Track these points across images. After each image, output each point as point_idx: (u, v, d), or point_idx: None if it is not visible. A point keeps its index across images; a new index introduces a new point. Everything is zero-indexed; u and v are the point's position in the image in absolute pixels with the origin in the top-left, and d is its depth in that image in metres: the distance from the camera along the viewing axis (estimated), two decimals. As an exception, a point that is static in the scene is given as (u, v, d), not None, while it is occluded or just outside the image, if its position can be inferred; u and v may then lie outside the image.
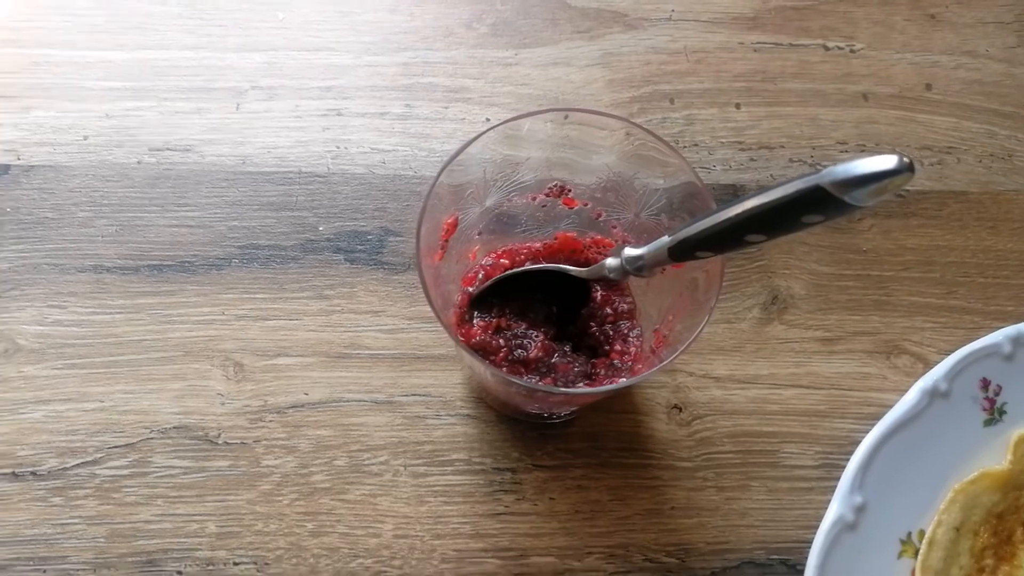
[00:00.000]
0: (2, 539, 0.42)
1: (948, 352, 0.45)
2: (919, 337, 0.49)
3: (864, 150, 0.53)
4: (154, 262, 0.47)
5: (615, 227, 0.42)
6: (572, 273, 0.39)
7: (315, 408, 0.45)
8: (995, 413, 0.44)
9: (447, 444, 0.45)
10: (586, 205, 0.42)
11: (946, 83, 0.55)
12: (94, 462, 0.43)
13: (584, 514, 0.44)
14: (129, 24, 0.52)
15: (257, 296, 0.47)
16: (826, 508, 0.42)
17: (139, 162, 0.49)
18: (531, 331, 0.41)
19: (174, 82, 0.51)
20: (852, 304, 0.49)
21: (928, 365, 0.47)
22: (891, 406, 0.44)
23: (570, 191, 0.41)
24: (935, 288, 0.50)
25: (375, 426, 0.45)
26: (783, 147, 0.53)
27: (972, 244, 0.51)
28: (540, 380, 0.39)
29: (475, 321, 0.41)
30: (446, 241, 0.38)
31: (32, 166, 0.49)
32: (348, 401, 0.45)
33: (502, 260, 0.42)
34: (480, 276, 0.42)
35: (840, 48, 0.55)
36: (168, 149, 0.49)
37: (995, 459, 0.44)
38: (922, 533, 0.42)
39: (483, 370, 0.36)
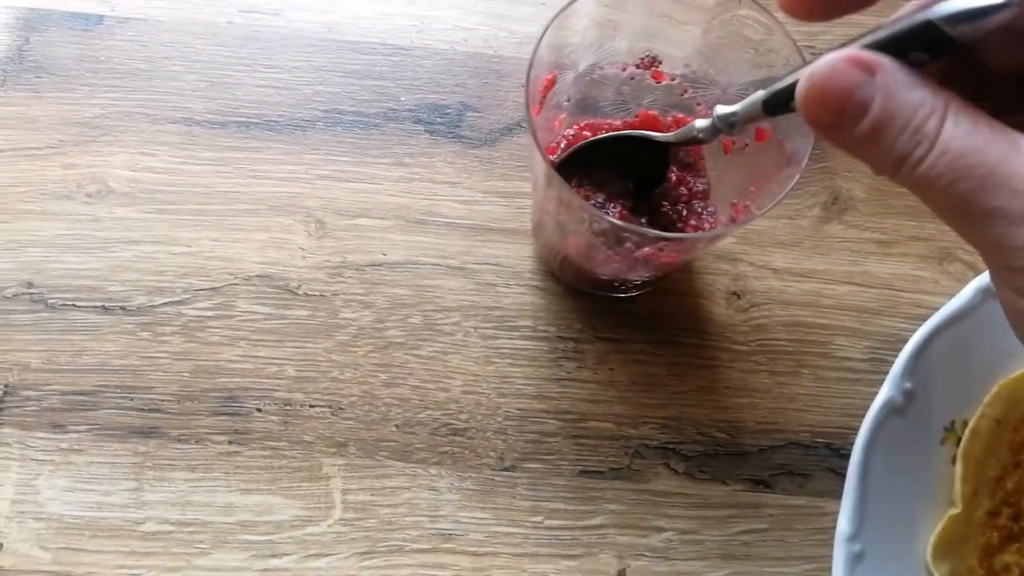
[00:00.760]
0: (92, 367, 0.44)
1: (999, 262, 0.47)
2: (972, 248, 0.50)
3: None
4: (241, 119, 0.48)
5: (699, 105, 0.43)
6: (657, 138, 0.40)
7: (392, 268, 0.47)
8: (1044, 318, 0.46)
9: (515, 311, 0.47)
10: (673, 80, 0.43)
11: None
12: (180, 302, 0.45)
13: (641, 386, 0.46)
14: None
15: (340, 158, 0.48)
16: (872, 399, 0.44)
17: (229, 22, 0.50)
18: (609, 203, 0.43)
19: (263, -53, 0.52)
20: (909, 210, 0.51)
21: (978, 272, 0.49)
22: (940, 308, 0.45)
23: (660, 63, 0.42)
24: (992, 203, 0.51)
25: (448, 289, 0.47)
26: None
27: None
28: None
29: None
30: (544, 97, 0.40)
31: (126, 18, 0.50)
32: (424, 264, 0.47)
33: (584, 132, 0.44)
34: (562, 145, 0.43)
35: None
36: (257, 12, 0.51)
37: (1040, 361, 0.45)
38: (965, 423, 0.44)
39: (574, 210, 0.38)
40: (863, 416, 0.44)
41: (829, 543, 0.43)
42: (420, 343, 0.46)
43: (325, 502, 0.43)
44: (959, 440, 0.44)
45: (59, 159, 0.47)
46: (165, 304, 0.45)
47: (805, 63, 0.35)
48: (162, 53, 0.49)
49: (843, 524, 0.41)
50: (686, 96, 0.43)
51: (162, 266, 0.46)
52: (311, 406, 0.44)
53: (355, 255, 0.47)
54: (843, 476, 0.45)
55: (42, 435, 0.43)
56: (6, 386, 0.44)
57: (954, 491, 0.43)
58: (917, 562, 0.42)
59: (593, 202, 0.42)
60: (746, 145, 0.40)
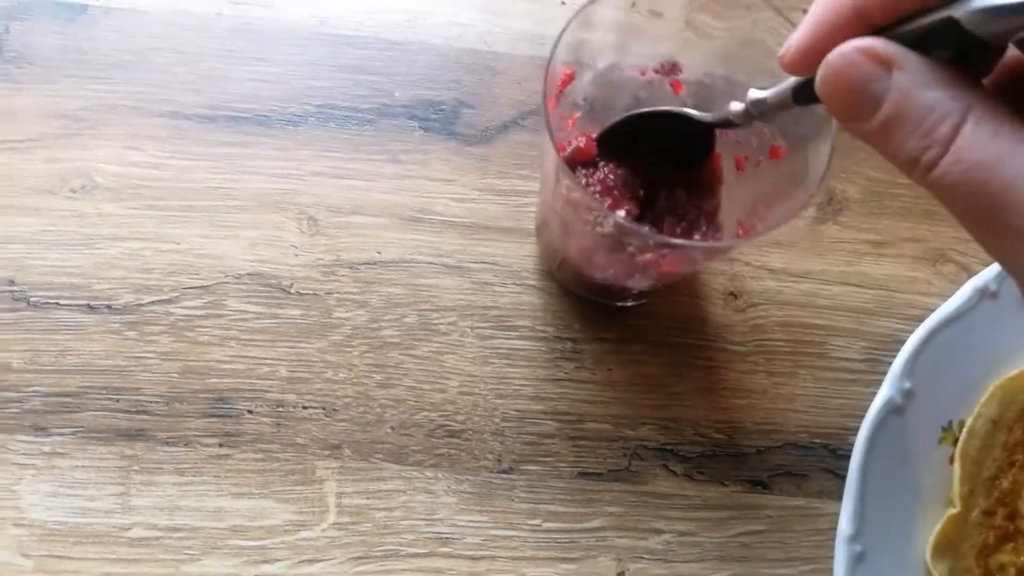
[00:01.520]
0: (76, 367, 0.43)
1: (990, 263, 0.47)
2: (964, 248, 0.50)
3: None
4: (232, 113, 0.47)
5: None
6: (695, 117, 0.38)
7: (387, 267, 0.46)
8: (1038, 318, 0.46)
9: (512, 311, 0.46)
10: (691, 90, 0.42)
11: None
12: (169, 301, 0.44)
13: (640, 387, 0.46)
14: None
15: (333, 154, 0.47)
16: (869, 399, 0.44)
17: (219, 13, 0.49)
18: (619, 205, 0.41)
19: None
20: (903, 211, 0.51)
21: (971, 274, 0.49)
22: (935, 309, 0.46)
23: (681, 71, 0.41)
24: (983, 204, 0.52)
25: (444, 288, 0.46)
26: None
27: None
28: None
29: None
30: (561, 92, 0.39)
31: (111, 8, 0.48)
32: (419, 263, 0.46)
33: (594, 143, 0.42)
34: (571, 147, 0.42)
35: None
36: (247, 4, 0.49)
37: (1034, 362, 0.46)
38: (962, 423, 0.44)
39: (580, 208, 0.37)
40: (860, 417, 0.44)
41: (827, 544, 0.43)
42: (416, 343, 0.45)
43: (319, 506, 0.42)
44: (956, 440, 0.44)
45: (41, 153, 0.46)
46: (153, 303, 0.44)
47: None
48: (149, 44, 0.48)
49: (844, 525, 0.41)
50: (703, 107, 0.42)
51: (149, 264, 0.44)
52: (304, 408, 0.43)
53: (349, 253, 0.46)
54: (840, 477, 0.45)
55: (24, 438, 0.41)
56: (-14, 387, 0.42)
57: (952, 491, 0.43)
58: (917, 562, 0.42)
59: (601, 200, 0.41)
60: (759, 162, 0.40)
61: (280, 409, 0.43)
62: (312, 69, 0.49)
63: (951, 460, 0.44)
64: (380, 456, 0.43)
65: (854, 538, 0.40)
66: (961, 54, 0.24)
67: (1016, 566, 0.43)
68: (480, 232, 0.47)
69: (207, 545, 0.41)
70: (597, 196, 0.41)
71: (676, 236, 0.42)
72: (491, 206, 0.48)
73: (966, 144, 0.21)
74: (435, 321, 0.45)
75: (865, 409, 0.44)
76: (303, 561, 0.41)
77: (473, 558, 0.42)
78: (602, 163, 0.41)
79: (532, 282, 0.46)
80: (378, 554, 0.41)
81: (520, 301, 0.46)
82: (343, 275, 0.45)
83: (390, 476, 0.43)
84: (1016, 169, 0.20)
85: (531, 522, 0.43)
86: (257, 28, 0.49)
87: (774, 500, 0.45)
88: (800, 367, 0.47)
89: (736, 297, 0.48)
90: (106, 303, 0.44)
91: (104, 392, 0.43)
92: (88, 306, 0.44)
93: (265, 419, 0.43)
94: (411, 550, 0.42)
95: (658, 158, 0.41)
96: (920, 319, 0.46)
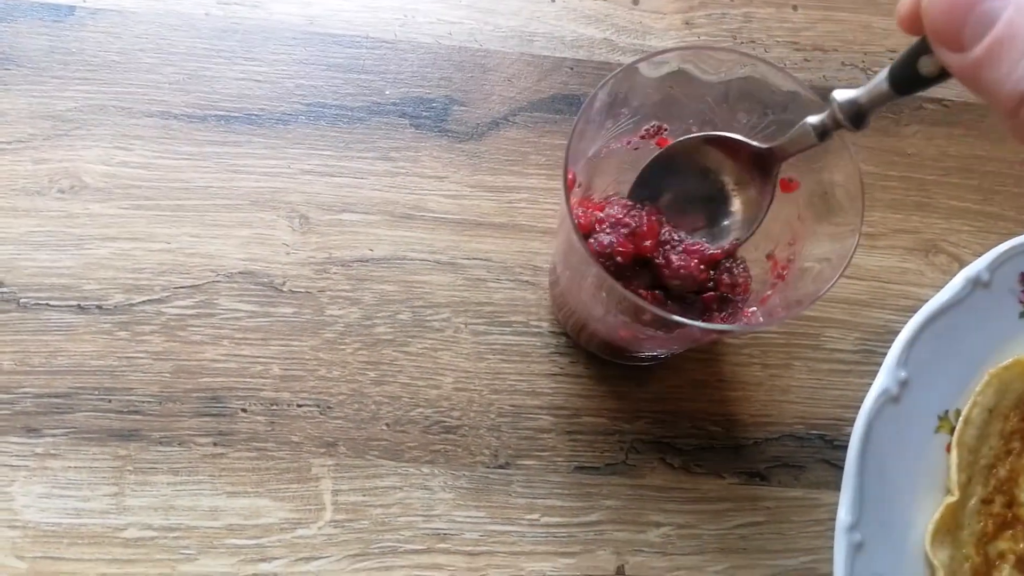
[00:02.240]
0: (68, 368, 0.42)
1: (982, 254, 0.47)
2: (956, 239, 0.51)
3: (913, 60, 0.54)
4: (221, 112, 0.47)
5: None
6: (753, 145, 0.36)
7: (379, 264, 0.46)
8: (1030, 307, 0.46)
9: (506, 307, 0.46)
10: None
11: (994, 3, 0.57)
12: (160, 300, 0.44)
13: (635, 380, 0.45)
14: None
15: (323, 152, 0.47)
16: (864, 390, 0.44)
17: (207, 13, 0.49)
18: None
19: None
20: (894, 203, 0.51)
21: (963, 264, 0.49)
22: (927, 300, 0.46)
23: (666, 130, 0.40)
24: (973, 194, 0.52)
25: (437, 285, 0.46)
26: (836, 50, 0.54)
27: (1010, 156, 0.53)
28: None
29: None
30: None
31: (98, 9, 0.48)
32: (411, 259, 0.46)
33: (595, 211, 0.40)
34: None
35: (897, -41, 0.56)
36: (236, 3, 0.49)
37: (1028, 350, 0.46)
38: (958, 412, 0.44)
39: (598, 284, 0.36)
40: (856, 407, 0.43)
41: (826, 534, 0.43)
42: (409, 340, 0.45)
43: (315, 504, 0.41)
44: (952, 429, 0.44)
45: (29, 154, 0.45)
46: (144, 303, 0.44)
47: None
48: (137, 45, 0.48)
49: (843, 514, 0.41)
50: None
51: (140, 263, 0.44)
52: (298, 405, 0.43)
53: (341, 251, 0.46)
54: (838, 468, 0.45)
55: (15, 440, 0.41)
56: (-24, 390, 0.42)
57: (950, 479, 0.43)
58: (916, 550, 0.42)
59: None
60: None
61: (274, 407, 0.43)
62: (302, 68, 0.49)
63: (948, 448, 0.44)
64: (376, 453, 0.43)
65: (853, 527, 0.40)
66: None
67: (1015, 553, 0.43)
68: (472, 228, 0.47)
69: (203, 544, 0.40)
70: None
71: (704, 309, 0.40)
72: (483, 202, 0.47)
73: None
74: (429, 318, 0.45)
75: (860, 400, 0.44)
76: (300, 559, 0.41)
77: (471, 553, 0.42)
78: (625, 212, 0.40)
79: (525, 278, 0.46)
80: (376, 551, 0.41)
81: (514, 297, 0.46)
82: (335, 273, 0.45)
83: (386, 473, 0.42)
84: None
85: (529, 517, 0.42)
86: (245, 28, 0.49)
87: (772, 491, 0.44)
88: (795, 359, 0.47)
89: (730, 289, 0.48)
90: (97, 303, 0.43)
91: (96, 392, 0.42)
92: (79, 306, 0.43)
93: (259, 417, 0.42)
94: (409, 546, 0.41)
95: (685, 205, 0.40)
96: (913, 310, 0.46)
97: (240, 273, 0.45)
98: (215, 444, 0.42)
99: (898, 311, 0.49)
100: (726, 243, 0.39)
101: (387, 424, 0.43)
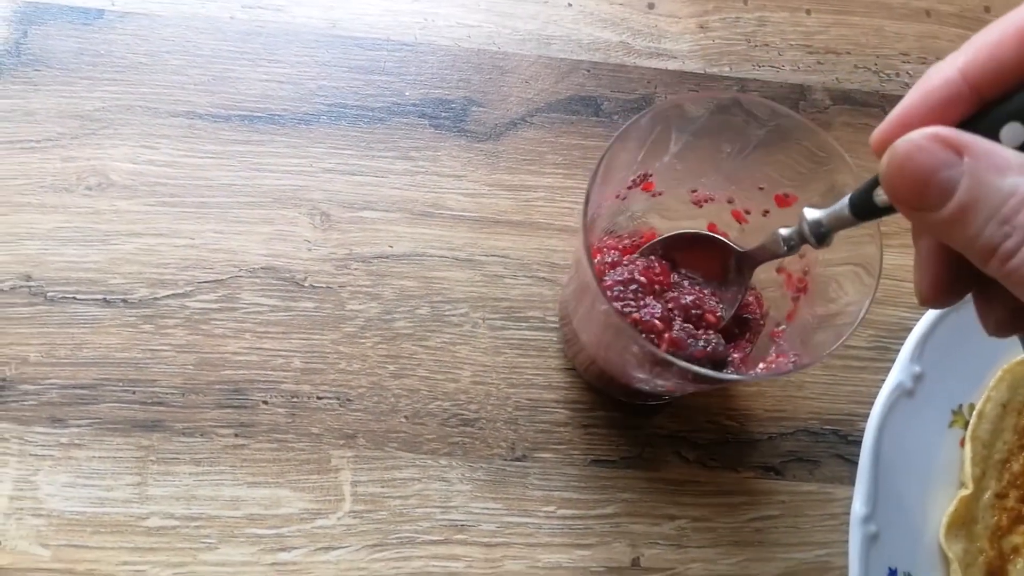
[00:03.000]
0: (93, 360, 0.43)
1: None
2: None
3: (925, 63, 0.55)
4: (244, 113, 0.48)
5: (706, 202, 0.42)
6: (734, 248, 0.39)
7: (399, 260, 0.46)
8: (1043, 304, 0.47)
9: (523, 302, 0.46)
10: (661, 193, 0.41)
11: (1004, 7, 0.57)
12: (184, 294, 0.45)
13: (651, 376, 0.46)
14: None
15: (344, 152, 0.48)
16: (878, 386, 0.44)
17: (232, 17, 0.50)
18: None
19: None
20: (908, 204, 0.51)
21: (977, 264, 0.49)
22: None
23: (651, 176, 0.40)
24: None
25: (456, 281, 0.46)
26: (849, 53, 0.55)
27: None
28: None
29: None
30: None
31: (127, 12, 0.49)
32: (430, 256, 0.47)
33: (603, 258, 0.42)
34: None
35: (906, -34, 0.57)
36: (260, 7, 0.50)
37: (1041, 346, 0.46)
38: (972, 407, 0.45)
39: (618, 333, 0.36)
40: (869, 403, 0.44)
41: (840, 528, 0.44)
42: (428, 334, 0.45)
43: (334, 494, 0.42)
44: (966, 423, 0.44)
45: (58, 152, 0.46)
46: (168, 296, 0.44)
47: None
48: (163, 47, 0.49)
49: (857, 506, 0.41)
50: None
51: (164, 259, 0.45)
52: (319, 398, 0.44)
53: (361, 247, 0.46)
54: (852, 462, 0.45)
55: (41, 430, 0.42)
56: (4, 380, 0.42)
57: (964, 472, 0.43)
58: (931, 543, 0.42)
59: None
60: (767, 211, 0.40)
61: (295, 400, 0.43)
62: (324, 70, 0.50)
63: (962, 443, 0.44)
64: (395, 445, 0.43)
65: (868, 519, 0.41)
66: None
67: (1030, 548, 0.43)
68: (490, 226, 0.48)
69: (224, 534, 0.41)
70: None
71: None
72: (501, 200, 0.48)
73: None
74: (447, 313, 0.46)
75: (874, 396, 0.44)
76: (319, 549, 0.41)
77: (488, 545, 0.42)
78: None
79: (542, 274, 0.47)
80: (394, 541, 0.42)
81: (531, 293, 0.47)
82: (356, 268, 0.46)
83: (405, 464, 0.43)
84: None
85: (545, 509, 0.43)
86: (269, 31, 0.50)
87: (787, 486, 0.45)
88: (809, 355, 0.47)
89: (744, 287, 0.48)
90: (122, 297, 0.44)
91: (120, 384, 0.43)
92: (104, 300, 0.44)
93: (280, 409, 0.43)
94: (427, 537, 0.42)
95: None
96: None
97: (262, 268, 0.45)
98: (236, 435, 0.42)
99: (912, 308, 0.49)
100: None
101: (406, 416, 0.44)
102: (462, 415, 0.44)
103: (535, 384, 0.45)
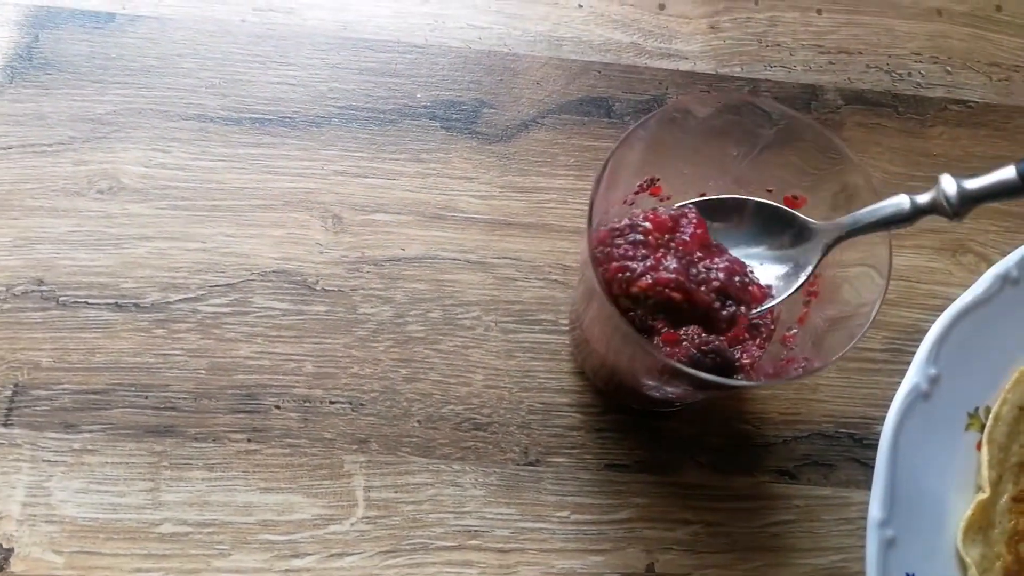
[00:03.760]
0: (105, 365, 0.43)
1: (1008, 253, 0.47)
2: (983, 239, 0.51)
3: (936, 62, 0.55)
4: (256, 115, 0.48)
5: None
6: (806, 220, 0.37)
7: (411, 263, 0.46)
8: (1059, 305, 0.46)
9: (535, 305, 0.46)
10: (669, 198, 0.41)
11: (1016, 6, 0.57)
12: (196, 299, 0.44)
13: (664, 379, 0.46)
14: None
15: (356, 154, 0.48)
16: (893, 389, 0.44)
17: (243, 20, 0.50)
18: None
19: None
20: (922, 205, 0.51)
21: (990, 263, 0.49)
22: (956, 299, 0.46)
23: (659, 180, 0.40)
24: (1000, 196, 0.52)
25: (468, 283, 0.46)
26: (861, 53, 0.54)
27: (1037, 157, 0.53)
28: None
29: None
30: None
31: (137, 16, 0.49)
32: (442, 259, 0.46)
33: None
34: None
35: (919, -34, 0.57)
36: (271, 10, 0.50)
37: (1058, 348, 0.46)
38: (988, 409, 0.44)
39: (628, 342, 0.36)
40: (885, 406, 0.43)
41: (856, 533, 0.43)
42: (440, 337, 0.45)
43: (347, 500, 0.42)
44: (982, 426, 0.44)
45: (70, 155, 0.46)
46: (180, 301, 0.44)
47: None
48: (174, 51, 0.49)
49: (874, 510, 0.40)
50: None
51: (176, 262, 0.45)
52: (331, 403, 0.43)
53: (373, 250, 0.46)
54: (867, 466, 0.45)
55: (54, 435, 0.42)
56: (16, 385, 0.42)
57: (980, 476, 0.43)
58: (948, 548, 0.42)
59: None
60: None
61: (307, 404, 0.43)
62: (335, 72, 0.49)
63: (978, 446, 0.44)
64: (407, 450, 0.43)
65: (885, 523, 0.40)
66: None
67: (1048, 552, 0.43)
68: (502, 228, 0.47)
69: (237, 540, 0.41)
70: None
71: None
72: (512, 202, 0.48)
73: None
74: (459, 316, 0.46)
75: (889, 399, 0.43)
76: (333, 555, 0.41)
77: (502, 551, 0.42)
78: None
79: (555, 277, 0.47)
80: (407, 547, 0.41)
81: (543, 296, 0.46)
82: (368, 271, 0.46)
83: (418, 469, 0.43)
84: None
85: (559, 514, 0.43)
86: (280, 34, 0.50)
87: (802, 490, 0.44)
88: (823, 358, 0.47)
89: (757, 289, 0.48)
90: (134, 301, 0.44)
91: (133, 389, 0.43)
92: (116, 304, 0.44)
93: (292, 414, 0.43)
94: (440, 543, 0.42)
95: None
96: (941, 309, 0.46)
97: (274, 272, 0.45)
98: (249, 440, 0.42)
99: (927, 310, 0.49)
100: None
101: (418, 421, 0.43)
102: (475, 419, 0.44)
103: (548, 388, 0.45)
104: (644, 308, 0.38)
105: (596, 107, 0.50)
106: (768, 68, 0.53)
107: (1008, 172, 0.28)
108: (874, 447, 0.42)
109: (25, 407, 0.42)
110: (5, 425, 0.42)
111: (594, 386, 0.45)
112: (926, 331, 0.45)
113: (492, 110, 0.50)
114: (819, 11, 0.55)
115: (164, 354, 0.44)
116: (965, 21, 0.56)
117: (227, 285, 0.45)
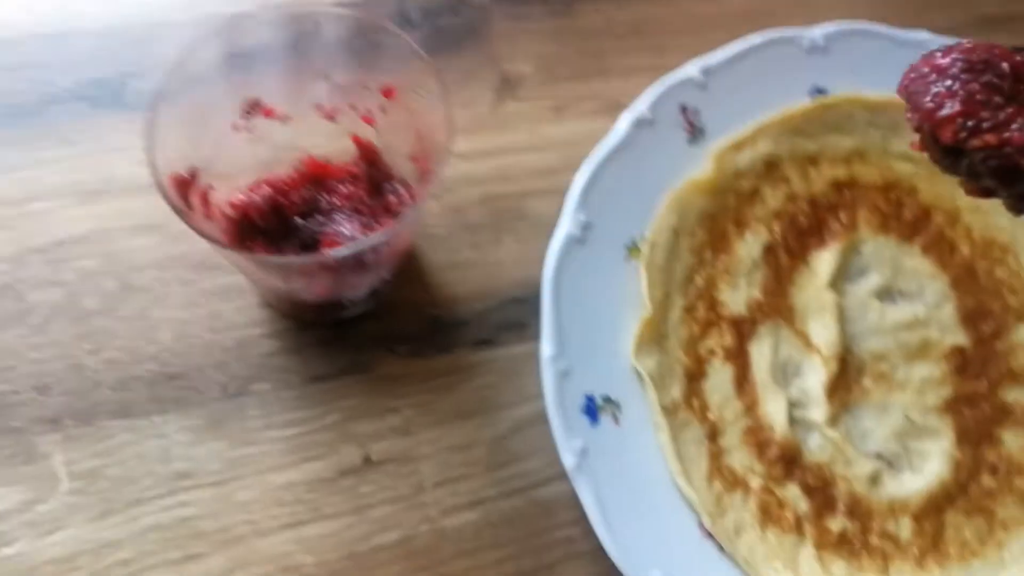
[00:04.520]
0: None
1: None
2: (637, 93, 0.54)
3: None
4: None
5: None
6: None
7: (79, 242, 0.46)
8: (695, 133, 0.50)
9: (211, 252, 0.47)
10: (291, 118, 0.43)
11: None
12: None
13: (354, 289, 0.47)
14: None
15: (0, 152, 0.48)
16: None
17: None
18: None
19: None
20: (576, 75, 0.55)
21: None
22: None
23: (261, 99, 0.42)
24: (647, 52, 0.56)
25: (141, 248, 0.47)
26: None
27: (674, 12, 0.58)
28: None
29: None
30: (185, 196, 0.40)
31: None
32: (111, 229, 0.47)
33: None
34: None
35: None
36: None
37: (701, 171, 0.50)
38: (645, 238, 0.48)
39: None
40: (562, 261, 0.46)
41: (557, 379, 0.46)
42: (119, 305, 0.45)
43: (49, 479, 0.42)
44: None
45: None
46: None
47: None
48: None
49: (546, 348, 0.43)
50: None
51: None
52: (15, 393, 0.43)
53: (34, 239, 0.46)
54: (556, 317, 0.47)
55: None
56: None
57: (643, 297, 0.46)
58: (625, 365, 0.45)
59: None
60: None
61: (-8, 400, 0.43)
62: (-37, 77, 0.49)
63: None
64: (104, 417, 0.43)
65: (557, 356, 0.43)
66: None
67: (723, 347, 0.46)
68: (167, 188, 0.48)
69: (-63, 546, 0.40)
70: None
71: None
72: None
73: None
74: (135, 281, 0.46)
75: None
76: (43, 533, 0.41)
77: (217, 483, 0.43)
78: None
79: (228, 221, 0.48)
80: (120, 506, 0.42)
81: (219, 240, 0.47)
82: (33, 260, 0.46)
83: (118, 431, 0.43)
84: None
85: (269, 434, 0.44)
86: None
87: (500, 352, 0.47)
88: (503, 233, 0.50)
89: (429, 186, 0.50)
90: None
91: None
92: None
93: (-23, 414, 0.43)
94: (153, 492, 0.42)
95: None
96: (598, 163, 0.49)
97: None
98: (-65, 449, 0.42)
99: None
100: None
101: (110, 388, 0.44)
102: (168, 371, 0.44)
103: (237, 324, 0.46)
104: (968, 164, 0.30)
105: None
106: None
107: None
108: (561, 300, 0.45)
109: None
110: None
111: (281, 311, 0.46)
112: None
113: (139, 80, 0.50)
114: None
115: None
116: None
117: None
